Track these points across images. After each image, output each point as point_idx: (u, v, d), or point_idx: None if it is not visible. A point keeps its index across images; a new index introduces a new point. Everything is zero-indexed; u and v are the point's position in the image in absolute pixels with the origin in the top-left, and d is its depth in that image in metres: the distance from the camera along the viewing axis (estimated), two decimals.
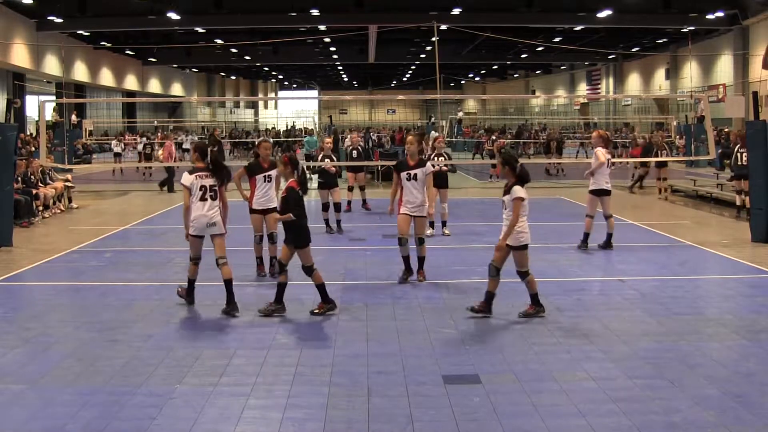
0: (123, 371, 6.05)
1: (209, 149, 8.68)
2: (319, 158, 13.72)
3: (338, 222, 13.19)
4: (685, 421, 4.98)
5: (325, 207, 13.14)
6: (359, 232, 13.14)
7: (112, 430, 4.94)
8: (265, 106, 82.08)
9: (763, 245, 11.63)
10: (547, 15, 36.76)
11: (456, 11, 34.02)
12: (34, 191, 15.16)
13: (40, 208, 15.31)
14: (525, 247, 7.46)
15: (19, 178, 14.81)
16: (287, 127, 54.00)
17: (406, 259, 9.16)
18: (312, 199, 18.73)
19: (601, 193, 11.20)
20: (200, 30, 41.34)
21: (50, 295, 8.87)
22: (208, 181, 7.95)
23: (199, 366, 6.17)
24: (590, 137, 20.99)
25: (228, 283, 7.84)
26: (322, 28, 38.62)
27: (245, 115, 74.65)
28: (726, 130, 29.97)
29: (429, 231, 12.32)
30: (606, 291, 8.91)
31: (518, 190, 7.35)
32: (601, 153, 11.27)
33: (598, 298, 8.66)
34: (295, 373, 5.97)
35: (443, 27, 29.14)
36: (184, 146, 32.57)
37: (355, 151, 16.82)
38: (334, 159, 14.07)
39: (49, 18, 36.30)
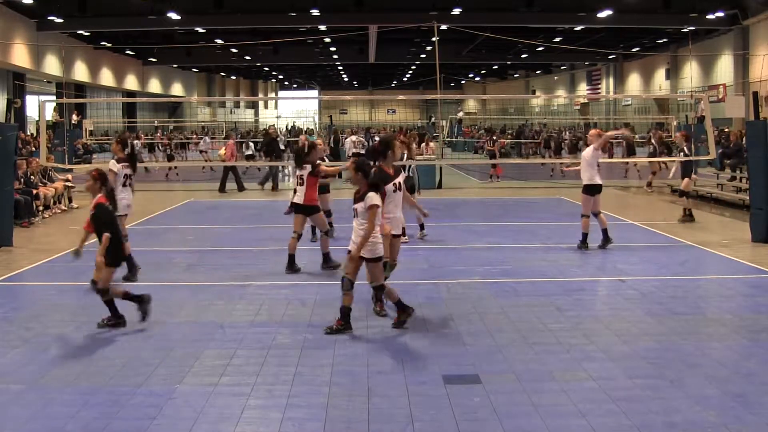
0: (123, 371, 6.05)
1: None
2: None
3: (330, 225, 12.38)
4: (685, 421, 4.98)
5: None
6: None
7: (112, 430, 4.94)
8: (266, 106, 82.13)
9: (763, 245, 11.63)
10: (547, 15, 36.77)
11: (456, 11, 34.03)
12: (34, 191, 15.16)
13: (40, 208, 15.31)
14: (379, 259, 7.04)
15: (21, 178, 14.81)
16: (287, 127, 54.06)
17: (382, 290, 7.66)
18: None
19: (595, 191, 11.21)
20: (200, 30, 41.34)
21: (50, 295, 8.86)
22: (128, 170, 9.42)
23: (199, 366, 6.17)
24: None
25: (129, 257, 9.03)
26: (322, 28, 38.63)
27: (245, 115, 74.69)
28: (726, 129, 29.96)
29: (404, 238, 11.94)
30: (606, 291, 8.92)
31: (373, 197, 6.93)
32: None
33: (598, 298, 8.66)
34: (295, 373, 5.97)
35: (443, 27, 29.10)
36: (200, 147, 32.27)
37: None
38: (326, 161, 13.08)
39: (49, 18, 36.30)
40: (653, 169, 20.84)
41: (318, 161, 12.66)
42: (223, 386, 5.71)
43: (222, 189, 21.00)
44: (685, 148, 15.20)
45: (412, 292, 8.71)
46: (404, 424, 4.98)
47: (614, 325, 7.24)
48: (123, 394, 5.52)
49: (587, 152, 11.41)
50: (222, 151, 23.83)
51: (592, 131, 12.13)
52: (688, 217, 14.31)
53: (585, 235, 11.23)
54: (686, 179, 14.65)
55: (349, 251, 7.11)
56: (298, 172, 9.94)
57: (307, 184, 9.74)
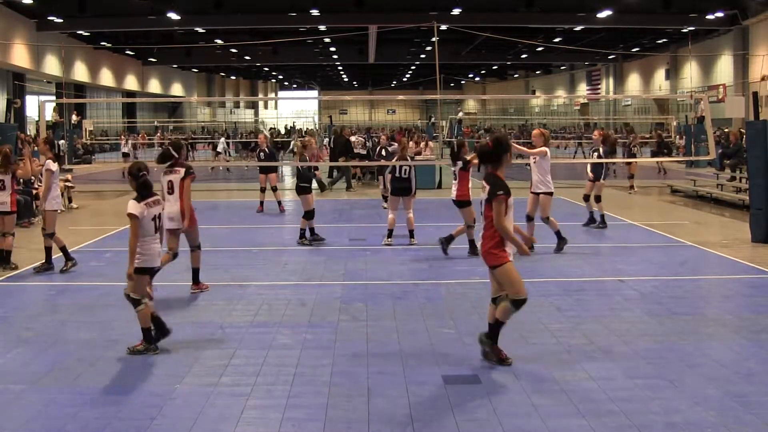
0: (123, 371, 6.05)
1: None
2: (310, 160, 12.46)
3: (312, 229, 12.09)
4: (685, 422, 4.98)
5: (312, 214, 11.98)
6: (359, 232, 13.13)
7: (112, 430, 4.93)
8: (265, 107, 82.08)
9: (762, 245, 11.63)
10: (547, 15, 36.80)
11: (456, 11, 34.06)
12: (34, 191, 15.14)
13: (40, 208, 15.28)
14: (143, 270, 6.47)
15: (21, 179, 14.78)
16: (286, 128, 54.00)
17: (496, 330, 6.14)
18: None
19: (551, 195, 11.04)
20: (200, 30, 41.39)
21: (50, 295, 8.87)
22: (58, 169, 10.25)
23: (199, 366, 6.17)
24: (591, 137, 21.00)
25: (48, 250, 10.06)
26: (322, 28, 38.67)
27: (245, 115, 74.69)
28: (726, 129, 29.99)
29: (387, 241, 11.74)
30: (606, 291, 8.91)
31: (130, 206, 6.39)
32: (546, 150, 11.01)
33: (598, 298, 8.65)
34: (295, 373, 5.97)
35: (443, 27, 29.12)
36: (217, 149, 32.08)
37: (262, 153, 17.04)
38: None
39: (49, 18, 36.35)
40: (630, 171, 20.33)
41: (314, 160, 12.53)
42: (223, 386, 5.71)
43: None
44: (601, 150, 13.83)
45: (413, 292, 8.72)
46: (404, 425, 4.98)
47: (614, 325, 7.24)
48: (123, 394, 5.52)
49: (539, 156, 10.95)
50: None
51: (536, 131, 11.58)
52: (600, 223, 13.24)
53: (558, 233, 11.10)
54: (598, 182, 13.30)
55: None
56: (452, 168, 10.93)
57: (459, 179, 10.62)
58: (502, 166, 6.12)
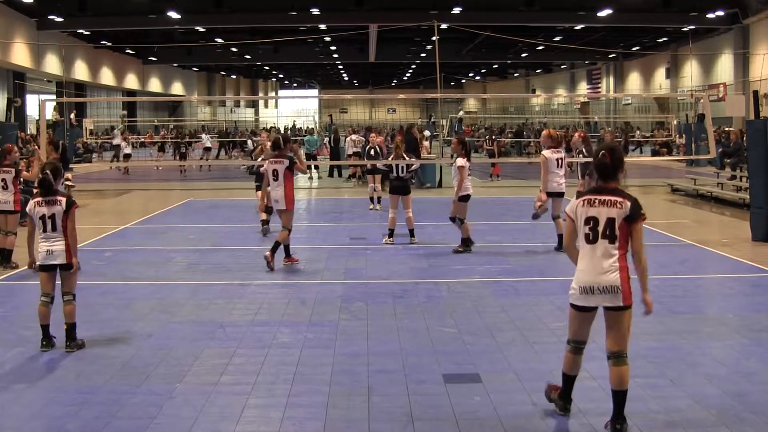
0: (123, 371, 6.05)
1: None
2: (259, 159, 12.57)
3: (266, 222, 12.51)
4: (685, 421, 4.98)
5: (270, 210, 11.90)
6: (359, 231, 13.13)
7: (112, 429, 4.93)
8: (266, 105, 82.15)
9: (763, 244, 11.62)
10: (548, 14, 36.79)
11: (456, 10, 34.04)
12: (35, 190, 15.11)
13: None
14: (39, 267, 6.72)
15: (21, 179, 14.76)
16: (286, 128, 54.03)
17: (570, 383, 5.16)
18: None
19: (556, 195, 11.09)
20: (200, 29, 41.36)
21: None
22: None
23: (199, 365, 6.17)
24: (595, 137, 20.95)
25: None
26: (323, 27, 38.66)
27: (246, 115, 74.68)
28: (726, 128, 29.96)
29: (388, 240, 11.82)
30: None
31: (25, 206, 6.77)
32: (461, 161, 11.01)
33: None
34: (295, 372, 5.97)
35: (443, 26, 29.14)
36: (206, 145, 32.72)
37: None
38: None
39: (49, 17, 36.35)
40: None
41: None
42: (224, 385, 5.71)
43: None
44: (584, 150, 13.17)
45: (413, 291, 8.72)
46: (404, 423, 4.98)
47: None
48: (123, 393, 5.52)
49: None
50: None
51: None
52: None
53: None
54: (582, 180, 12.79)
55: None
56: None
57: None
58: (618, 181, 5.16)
